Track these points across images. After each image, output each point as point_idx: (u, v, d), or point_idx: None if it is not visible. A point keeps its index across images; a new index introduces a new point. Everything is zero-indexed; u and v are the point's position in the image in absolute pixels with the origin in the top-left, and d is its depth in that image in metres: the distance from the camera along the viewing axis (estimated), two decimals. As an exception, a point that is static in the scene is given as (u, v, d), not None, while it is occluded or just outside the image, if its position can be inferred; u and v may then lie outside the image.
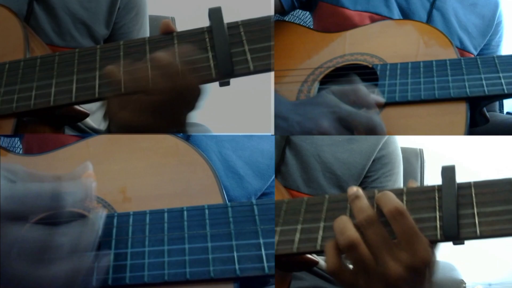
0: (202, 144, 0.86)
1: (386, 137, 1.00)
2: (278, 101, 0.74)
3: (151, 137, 0.69)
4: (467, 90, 0.78)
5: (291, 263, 0.68)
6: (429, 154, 1.56)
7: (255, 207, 0.60)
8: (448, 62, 0.83)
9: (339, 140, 0.97)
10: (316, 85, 0.89)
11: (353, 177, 0.95)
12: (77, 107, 0.70)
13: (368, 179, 0.98)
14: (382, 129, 0.69)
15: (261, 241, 0.57)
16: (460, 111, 0.77)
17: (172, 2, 1.63)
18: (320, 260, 0.90)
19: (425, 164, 1.54)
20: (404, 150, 1.51)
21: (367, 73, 0.87)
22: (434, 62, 0.83)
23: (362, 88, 0.72)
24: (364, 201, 0.58)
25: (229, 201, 0.75)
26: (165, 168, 0.66)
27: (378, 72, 0.86)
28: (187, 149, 0.68)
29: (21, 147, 0.95)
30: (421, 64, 0.84)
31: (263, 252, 0.56)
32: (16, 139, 1.11)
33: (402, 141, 1.45)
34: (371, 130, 0.68)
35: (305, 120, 0.68)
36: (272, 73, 0.86)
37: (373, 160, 0.98)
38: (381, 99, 0.75)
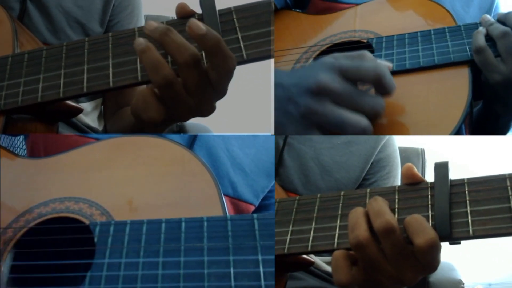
0: (210, 142, 0.87)
1: (385, 139, 0.99)
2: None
3: (155, 145, 0.69)
4: (469, 53, 0.75)
5: (286, 263, 0.67)
6: (430, 154, 1.55)
7: (255, 221, 0.58)
8: (447, 29, 0.79)
9: (338, 143, 0.96)
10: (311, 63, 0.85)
11: (351, 180, 0.95)
12: (69, 102, 0.69)
13: (365, 181, 0.97)
14: (390, 80, 0.63)
15: (260, 258, 0.54)
16: (463, 75, 0.73)
17: (172, 2, 1.62)
18: (317, 259, 0.90)
19: (426, 164, 1.53)
20: (405, 150, 1.51)
21: (362, 48, 0.82)
22: (432, 31, 0.80)
23: (368, 53, 0.66)
24: (382, 205, 0.57)
25: (237, 196, 0.79)
26: (167, 177, 0.65)
27: (373, 45, 0.83)
28: (191, 158, 0.67)
29: (25, 147, 0.96)
30: (419, 33, 0.80)
31: (261, 270, 0.53)
32: (19, 138, 1.11)
33: (403, 141, 1.44)
34: (379, 79, 0.63)
35: (302, 80, 0.62)
36: (272, 72, 0.85)
37: (371, 163, 0.97)
38: (389, 63, 0.70)
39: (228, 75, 0.60)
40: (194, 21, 0.58)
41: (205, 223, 0.57)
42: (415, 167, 0.61)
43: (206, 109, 0.63)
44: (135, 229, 0.58)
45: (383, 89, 0.63)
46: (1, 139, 0.96)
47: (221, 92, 0.62)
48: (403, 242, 0.54)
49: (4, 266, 0.59)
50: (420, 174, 0.61)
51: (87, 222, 0.61)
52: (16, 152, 0.90)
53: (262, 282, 0.52)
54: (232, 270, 0.53)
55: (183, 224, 0.57)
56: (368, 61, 0.64)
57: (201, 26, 0.58)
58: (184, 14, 0.64)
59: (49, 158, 0.70)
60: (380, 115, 0.63)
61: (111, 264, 0.55)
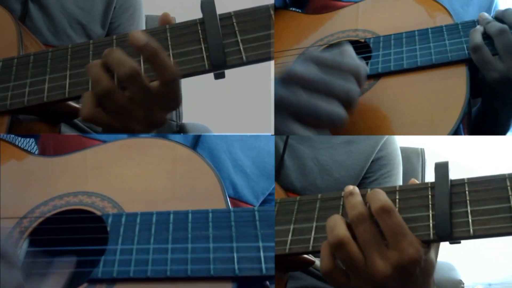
0: (212, 143, 0.88)
1: (385, 138, 0.99)
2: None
3: (162, 145, 0.72)
4: (466, 52, 0.75)
5: (287, 263, 0.68)
6: (430, 154, 1.55)
7: (256, 213, 0.62)
8: (444, 27, 0.79)
9: (337, 142, 0.96)
10: None
11: (351, 178, 0.94)
12: (72, 103, 0.70)
13: (366, 180, 0.97)
14: (364, 81, 0.63)
15: (261, 244, 0.58)
16: (460, 74, 0.73)
17: (172, 2, 1.63)
18: (317, 260, 0.90)
19: (426, 163, 1.53)
20: (405, 150, 1.51)
21: (360, 47, 0.83)
22: (429, 30, 0.80)
23: (349, 49, 0.64)
24: (357, 198, 0.57)
25: (238, 197, 0.86)
26: (174, 174, 0.69)
27: (371, 45, 0.83)
28: (195, 157, 0.70)
29: (36, 147, 0.98)
30: (416, 32, 0.81)
31: (262, 254, 0.58)
32: (31, 139, 1.13)
33: (403, 141, 1.44)
34: (358, 78, 0.62)
35: (282, 74, 0.62)
36: (272, 73, 0.86)
37: (372, 161, 0.97)
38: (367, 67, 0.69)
39: (169, 85, 0.61)
40: (134, 33, 0.60)
41: (210, 215, 0.61)
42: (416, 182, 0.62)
43: (156, 121, 0.64)
44: (145, 219, 0.62)
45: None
46: (16, 142, 0.99)
47: (167, 103, 0.63)
48: (375, 230, 0.55)
49: (19, 252, 0.63)
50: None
51: (100, 214, 0.64)
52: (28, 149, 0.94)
53: (263, 265, 0.57)
54: (235, 255, 0.57)
55: (190, 215, 0.61)
56: (350, 58, 0.63)
57: (142, 37, 0.60)
58: (166, 22, 0.67)
59: (61, 157, 0.73)
60: (354, 100, 0.61)
61: (123, 250, 0.59)
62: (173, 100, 0.63)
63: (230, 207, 0.64)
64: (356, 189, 0.58)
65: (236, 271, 0.56)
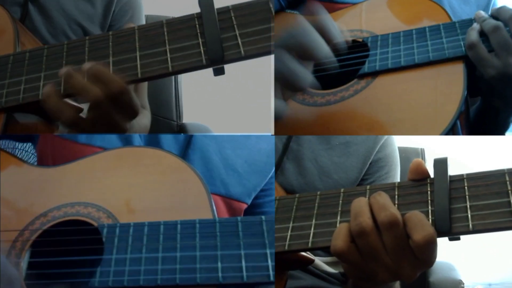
0: (204, 145, 0.89)
1: (384, 139, 0.99)
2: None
3: (153, 155, 0.75)
4: (463, 49, 0.76)
5: (287, 261, 0.68)
6: (430, 154, 1.55)
7: (239, 223, 0.65)
8: (441, 26, 0.80)
9: (336, 144, 0.96)
10: None
11: (349, 180, 0.94)
12: (69, 101, 0.70)
13: (364, 182, 0.97)
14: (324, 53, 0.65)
15: (242, 253, 0.62)
16: (458, 70, 0.74)
17: (171, 2, 1.63)
18: (316, 259, 0.90)
19: (426, 164, 1.53)
20: (405, 150, 1.51)
21: (358, 46, 0.84)
22: (427, 28, 0.81)
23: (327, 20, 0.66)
24: (387, 199, 0.58)
25: (229, 196, 0.90)
26: (164, 184, 0.72)
27: (369, 44, 0.83)
28: (185, 168, 0.73)
29: (35, 153, 0.99)
30: (414, 31, 0.81)
31: (243, 263, 0.61)
32: (29, 145, 1.14)
33: (403, 141, 1.44)
34: (307, 54, 0.64)
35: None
36: (272, 72, 0.86)
37: (370, 163, 0.97)
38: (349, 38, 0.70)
39: (119, 97, 0.64)
40: (61, 70, 0.64)
41: (198, 225, 0.65)
42: (424, 163, 0.62)
43: (118, 130, 0.67)
44: (138, 230, 0.66)
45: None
46: (16, 150, 1.00)
47: (124, 113, 0.66)
48: (404, 236, 0.55)
49: (23, 263, 0.66)
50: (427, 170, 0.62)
51: (95, 224, 0.67)
52: (26, 158, 1.02)
53: (244, 274, 0.61)
54: (219, 264, 0.61)
55: (179, 226, 0.65)
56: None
57: (63, 70, 0.63)
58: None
59: (59, 167, 0.76)
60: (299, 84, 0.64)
61: (117, 260, 0.63)
62: (129, 109, 0.65)
63: (216, 215, 0.68)
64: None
65: (220, 279, 0.60)
